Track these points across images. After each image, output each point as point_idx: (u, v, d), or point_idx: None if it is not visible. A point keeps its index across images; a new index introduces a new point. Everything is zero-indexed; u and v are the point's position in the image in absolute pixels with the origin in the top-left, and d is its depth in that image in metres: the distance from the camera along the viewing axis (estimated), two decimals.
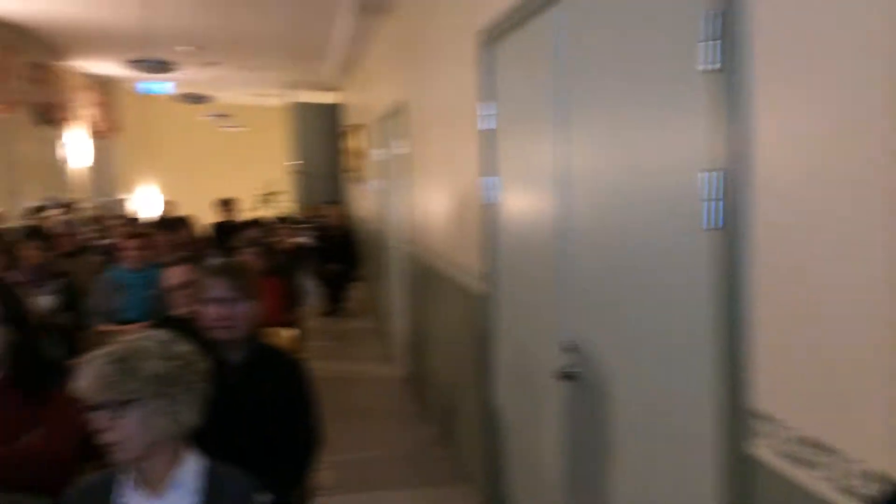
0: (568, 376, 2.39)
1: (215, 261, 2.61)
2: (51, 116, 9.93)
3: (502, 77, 3.25)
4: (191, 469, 1.72)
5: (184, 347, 1.74)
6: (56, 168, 10.62)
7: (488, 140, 3.39)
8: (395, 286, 7.04)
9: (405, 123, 6.07)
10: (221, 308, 2.42)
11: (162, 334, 1.74)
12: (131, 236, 5.01)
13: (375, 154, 8.23)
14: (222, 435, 2.12)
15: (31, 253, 4.68)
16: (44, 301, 4.52)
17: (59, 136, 10.65)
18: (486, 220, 3.43)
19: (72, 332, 4.52)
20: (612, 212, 2.12)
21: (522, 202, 3.04)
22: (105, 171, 12.87)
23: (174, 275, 3.39)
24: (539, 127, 2.75)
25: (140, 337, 1.70)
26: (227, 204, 9.00)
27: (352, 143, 10.91)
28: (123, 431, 1.61)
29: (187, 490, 1.69)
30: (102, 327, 4.56)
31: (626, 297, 2.04)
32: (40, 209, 8.44)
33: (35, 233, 4.90)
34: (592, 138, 2.26)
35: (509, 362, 3.27)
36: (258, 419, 2.43)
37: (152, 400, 1.63)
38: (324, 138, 12.95)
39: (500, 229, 3.32)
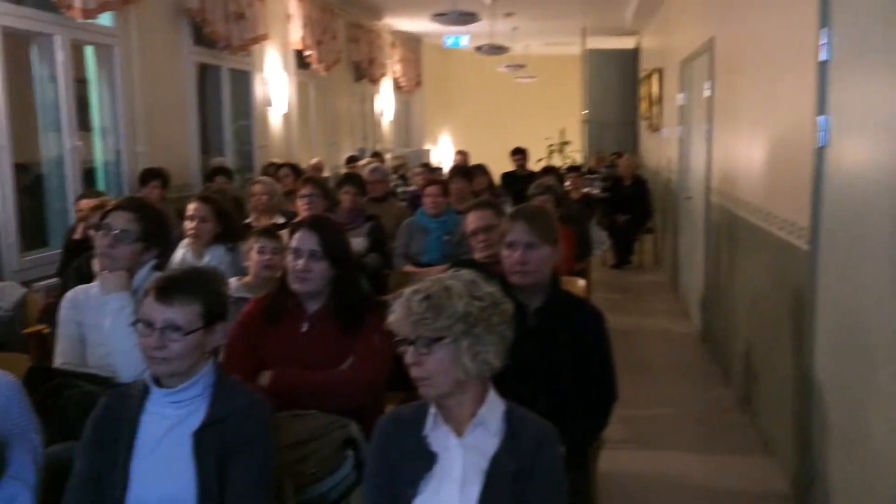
0: None
1: (519, 206, 2.57)
2: (365, 73, 10.77)
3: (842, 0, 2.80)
4: (493, 410, 1.71)
5: (489, 289, 1.72)
6: (367, 120, 11.55)
7: (822, 75, 2.95)
8: (690, 238, 6.65)
9: (710, 64, 5.61)
10: (520, 252, 2.39)
11: (468, 275, 1.73)
12: (431, 183, 5.24)
13: (673, 99, 7.79)
14: (517, 380, 2.09)
15: (346, 197, 5.08)
16: (356, 242, 4.90)
17: (371, 92, 11.54)
18: (815, 166, 3.01)
19: (378, 272, 4.86)
20: None
21: (867, 146, 2.61)
22: (407, 122, 13.77)
23: (473, 220, 3.45)
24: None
25: (448, 276, 1.71)
26: (519, 153, 9.13)
27: (648, 89, 10.46)
28: (431, 367, 1.63)
29: (489, 430, 1.68)
30: (405, 269, 4.85)
31: None
32: (353, 158, 9.24)
33: (349, 179, 5.29)
34: None
35: (835, 327, 2.87)
36: (554, 367, 2.38)
37: (459, 338, 1.63)
38: (617, 85, 12.58)
39: (831, 176, 2.90)
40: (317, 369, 2.38)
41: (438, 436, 1.69)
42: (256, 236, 3.32)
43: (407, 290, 1.69)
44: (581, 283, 4.10)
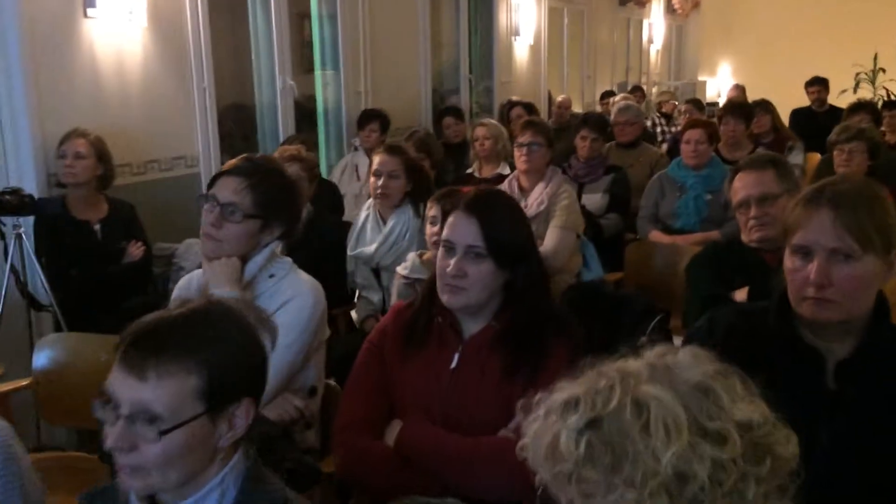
0: None
1: (824, 183, 1.46)
2: None
3: None
4: None
5: (743, 407, 0.75)
6: (632, 50, 10.26)
7: None
8: None
9: None
10: (819, 265, 1.34)
11: (694, 362, 0.78)
12: (693, 126, 4.07)
13: None
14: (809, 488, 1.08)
15: (582, 144, 4.14)
16: (592, 200, 3.97)
17: (639, 16, 10.21)
18: None
19: (617, 238, 3.90)
20: None
21: None
22: (679, 51, 12.18)
23: (742, 184, 2.32)
24: None
25: (649, 366, 0.77)
26: (817, 84, 7.35)
27: None
28: None
29: None
30: (652, 236, 3.82)
31: None
32: (609, 94, 8.12)
33: (587, 121, 4.32)
34: None
35: None
36: (876, 464, 1.35)
37: None
38: None
39: None
40: (468, 428, 1.56)
41: None
42: (433, 200, 2.51)
43: (555, 397, 0.78)
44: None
